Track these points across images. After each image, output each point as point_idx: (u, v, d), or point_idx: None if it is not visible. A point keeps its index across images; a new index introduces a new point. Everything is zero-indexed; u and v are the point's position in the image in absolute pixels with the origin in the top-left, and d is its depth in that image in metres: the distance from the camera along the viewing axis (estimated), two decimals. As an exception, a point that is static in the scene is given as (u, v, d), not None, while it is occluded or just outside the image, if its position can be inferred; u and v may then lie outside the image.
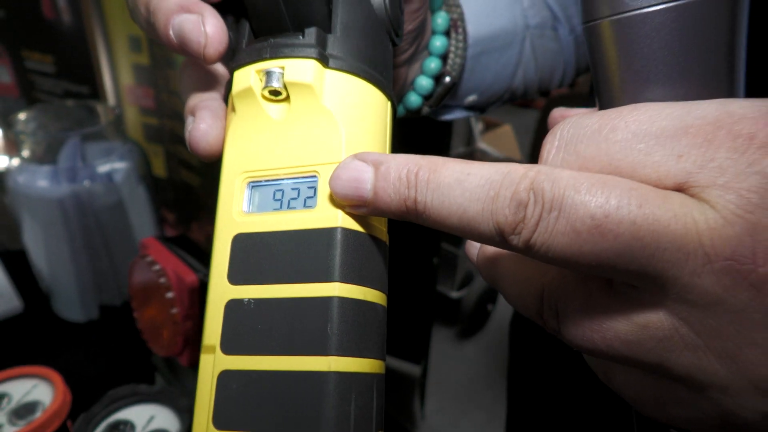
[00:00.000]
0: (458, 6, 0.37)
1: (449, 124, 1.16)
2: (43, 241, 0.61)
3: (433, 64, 0.35)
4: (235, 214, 0.19)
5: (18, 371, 0.45)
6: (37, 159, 0.59)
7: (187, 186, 1.07)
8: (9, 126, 0.63)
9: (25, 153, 0.61)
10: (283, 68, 0.19)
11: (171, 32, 0.21)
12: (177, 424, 0.42)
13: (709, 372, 0.15)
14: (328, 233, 0.18)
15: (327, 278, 0.17)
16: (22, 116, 0.64)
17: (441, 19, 0.35)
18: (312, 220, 0.18)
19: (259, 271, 0.18)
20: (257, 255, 0.18)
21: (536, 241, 0.15)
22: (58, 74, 1.94)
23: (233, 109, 0.21)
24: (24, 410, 0.42)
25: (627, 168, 0.15)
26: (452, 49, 0.36)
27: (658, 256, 0.14)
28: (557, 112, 0.22)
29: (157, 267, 0.43)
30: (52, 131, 0.62)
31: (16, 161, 0.61)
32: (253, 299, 0.17)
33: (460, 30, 0.36)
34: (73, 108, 0.74)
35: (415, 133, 1.10)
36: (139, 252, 0.48)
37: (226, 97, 0.22)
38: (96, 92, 1.95)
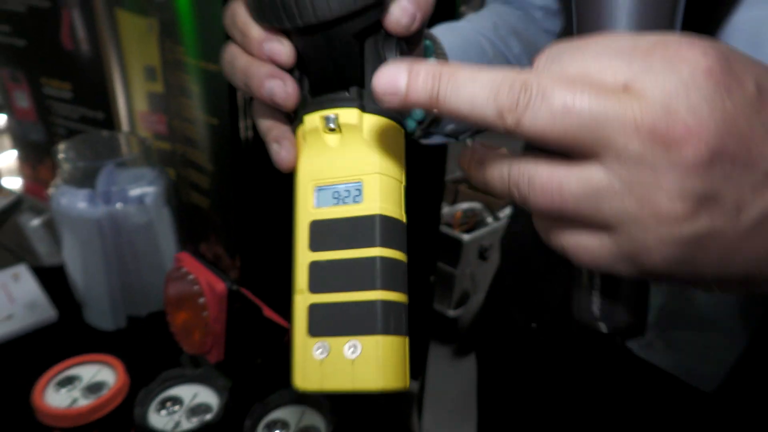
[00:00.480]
0: (445, 55, 0.46)
1: (444, 149, 1.25)
2: (80, 256, 0.69)
3: None
4: (309, 208, 0.31)
5: (86, 358, 0.56)
6: (77, 183, 0.67)
7: (197, 208, 1.15)
8: (53, 154, 0.71)
9: (66, 178, 0.69)
10: (337, 115, 0.30)
11: (264, 92, 0.31)
12: (216, 399, 0.54)
13: (630, 212, 0.22)
14: (371, 218, 0.29)
15: (372, 245, 0.28)
16: (62, 146, 0.72)
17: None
18: (360, 210, 0.29)
19: (329, 243, 0.29)
20: (326, 233, 0.30)
21: (524, 119, 0.22)
22: (75, 100, 2.04)
23: (304, 139, 0.32)
24: (94, 388, 0.54)
25: (594, 72, 0.22)
26: None
27: (604, 130, 0.21)
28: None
29: (191, 277, 0.51)
30: (90, 159, 0.70)
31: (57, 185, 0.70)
32: (326, 260, 0.29)
33: None
34: (108, 137, 0.82)
35: (412, 157, 1.19)
36: (174, 264, 0.56)
37: (295, 129, 0.33)
38: (111, 118, 2.04)
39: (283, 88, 0.31)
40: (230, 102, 1.54)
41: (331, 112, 0.30)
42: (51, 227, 1.01)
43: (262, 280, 0.90)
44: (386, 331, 0.27)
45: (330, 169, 0.31)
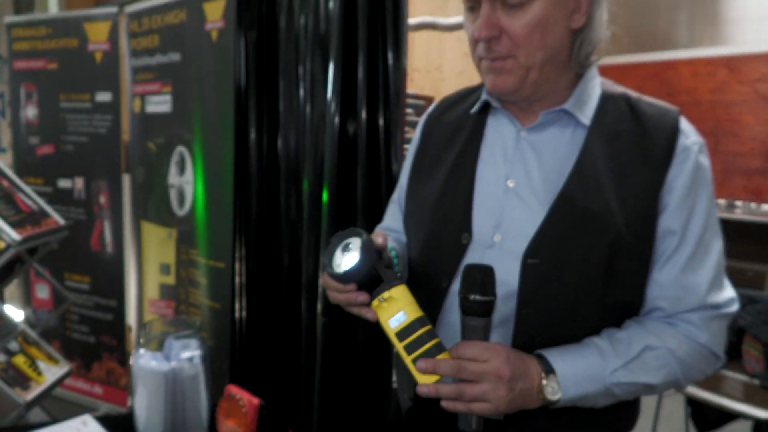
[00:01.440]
0: (399, 257, 0.90)
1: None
2: (147, 400, 1.03)
3: None
4: (389, 331, 0.75)
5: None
6: (151, 350, 1.04)
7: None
8: (139, 330, 1.09)
9: (143, 346, 1.06)
10: (390, 295, 0.74)
11: (352, 311, 0.77)
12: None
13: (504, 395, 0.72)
14: (417, 319, 0.75)
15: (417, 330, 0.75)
16: (144, 328, 1.10)
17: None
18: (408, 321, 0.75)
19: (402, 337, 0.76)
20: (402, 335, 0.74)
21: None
22: (92, 291, 2.44)
23: (381, 304, 0.74)
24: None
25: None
26: None
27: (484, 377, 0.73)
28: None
29: (238, 396, 0.86)
30: (160, 336, 1.08)
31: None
32: (403, 346, 0.74)
33: None
34: (173, 321, 1.20)
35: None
36: (225, 392, 0.90)
37: (370, 303, 0.75)
38: (121, 306, 2.46)
39: (359, 310, 0.76)
40: (231, 290, 1.98)
41: (382, 295, 0.73)
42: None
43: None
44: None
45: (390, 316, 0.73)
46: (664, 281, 0.80)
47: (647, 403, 2.78)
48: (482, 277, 0.71)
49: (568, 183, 0.79)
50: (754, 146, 4.74)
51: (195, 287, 2.01)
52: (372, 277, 0.74)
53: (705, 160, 0.82)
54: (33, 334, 1.45)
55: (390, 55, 1.59)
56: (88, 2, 3.02)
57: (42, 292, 2.45)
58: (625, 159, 0.80)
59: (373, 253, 0.74)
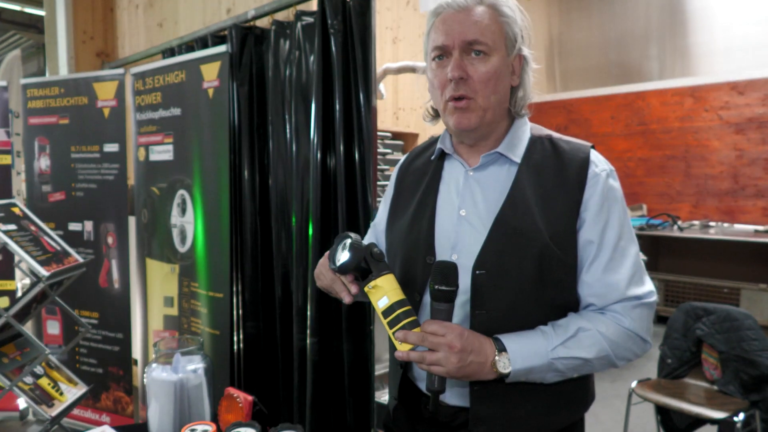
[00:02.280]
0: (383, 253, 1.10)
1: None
2: (158, 407, 1.22)
3: None
4: (378, 309, 0.96)
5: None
6: (161, 364, 1.24)
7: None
8: (155, 346, 1.29)
9: (155, 361, 1.26)
10: (375, 284, 0.95)
11: (340, 297, 1.02)
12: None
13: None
14: (398, 301, 0.97)
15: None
16: (155, 345, 1.30)
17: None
18: (389, 302, 0.96)
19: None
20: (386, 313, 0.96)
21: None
22: (99, 325, 2.62)
23: (370, 290, 0.96)
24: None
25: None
26: None
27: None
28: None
29: (236, 394, 1.05)
30: (169, 352, 1.28)
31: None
32: (387, 321, 0.96)
33: None
34: (180, 339, 1.40)
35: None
36: (225, 392, 1.10)
37: (362, 288, 0.98)
38: (127, 338, 2.65)
39: (349, 296, 0.99)
40: (230, 319, 2.17)
41: (370, 284, 0.94)
42: None
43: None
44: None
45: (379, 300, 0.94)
46: (590, 281, 0.98)
47: (618, 411, 2.89)
48: (446, 272, 0.90)
49: (503, 208, 0.99)
50: (723, 169, 5.00)
51: (196, 317, 2.21)
52: (363, 269, 0.96)
53: (614, 183, 1.01)
54: (54, 359, 1.63)
55: (361, 97, 1.82)
56: (95, 64, 3.29)
57: (53, 328, 2.63)
58: (549, 186, 0.99)
59: (360, 250, 0.95)
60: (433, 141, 1.16)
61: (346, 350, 1.85)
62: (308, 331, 1.90)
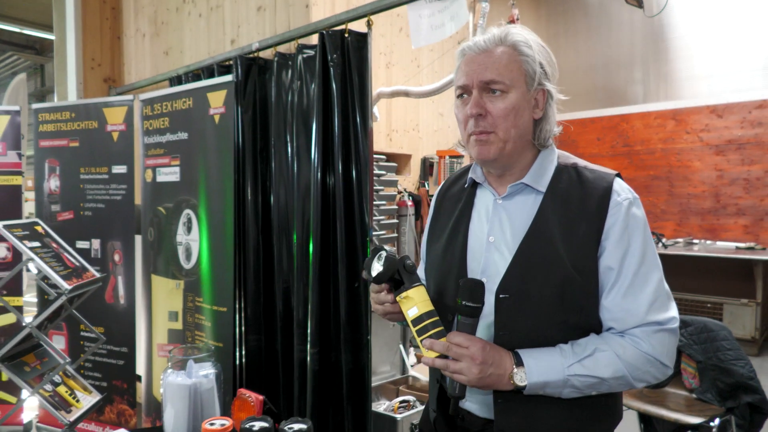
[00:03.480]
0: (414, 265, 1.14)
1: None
2: (173, 411, 1.33)
3: None
4: (408, 317, 1.04)
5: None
6: (176, 369, 1.35)
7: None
8: (171, 356, 1.40)
9: (171, 366, 1.37)
10: (407, 295, 1.03)
11: (378, 311, 1.14)
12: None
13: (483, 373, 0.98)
14: (427, 312, 1.04)
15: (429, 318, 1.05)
16: (171, 353, 1.41)
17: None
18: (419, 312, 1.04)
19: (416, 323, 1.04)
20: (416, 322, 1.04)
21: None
22: (105, 340, 2.69)
23: (401, 300, 1.04)
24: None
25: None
26: None
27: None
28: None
29: (247, 394, 1.17)
30: (183, 358, 1.39)
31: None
32: (417, 329, 1.03)
33: None
34: (191, 347, 1.52)
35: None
36: (237, 393, 1.21)
37: (395, 298, 1.07)
38: (132, 351, 2.76)
39: (383, 309, 1.11)
40: (233, 333, 2.28)
41: (402, 294, 1.02)
42: None
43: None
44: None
45: (409, 309, 1.02)
46: (610, 306, 1.01)
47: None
48: (473, 289, 0.96)
49: (526, 237, 1.04)
50: (705, 189, 5.19)
51: (201, 330, 2.31)
52: (396, 280, 1.04)
53: (637, 211, 1.03)
54: (71, 369, 1.73)
55: (359, 121, 1.96)
56: (102, 89, 3.44)
57: (58, 343, 2.71)
58: (573, 215, 1.02)
59: (394, 262, 1.03)
60: (466, 169, 1.22)
61: (344, 360, 1.96)
62: (308, 343, 2.01)
